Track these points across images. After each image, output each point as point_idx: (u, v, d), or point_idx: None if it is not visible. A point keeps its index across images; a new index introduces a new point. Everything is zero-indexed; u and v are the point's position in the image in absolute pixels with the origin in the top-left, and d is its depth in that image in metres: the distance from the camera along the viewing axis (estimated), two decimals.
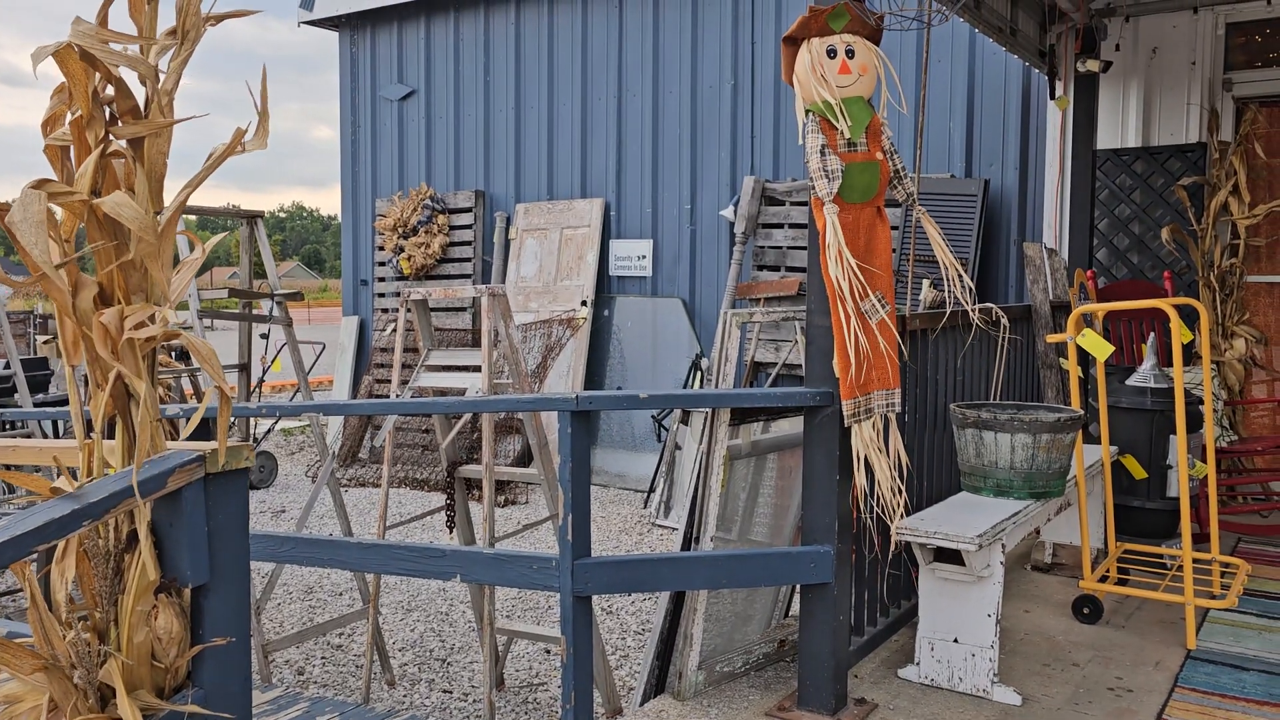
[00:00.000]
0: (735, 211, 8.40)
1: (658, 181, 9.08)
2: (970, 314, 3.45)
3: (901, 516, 3.44)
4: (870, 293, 3.15)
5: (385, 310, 10.58)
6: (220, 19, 2.07)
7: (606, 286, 9.33)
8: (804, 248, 8.10)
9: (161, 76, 2.06)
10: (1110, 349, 4.28)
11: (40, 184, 1.86)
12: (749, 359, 8.19)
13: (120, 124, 2.04)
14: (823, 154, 3.12)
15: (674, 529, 7.53)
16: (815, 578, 3.32)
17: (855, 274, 3.06)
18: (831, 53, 3.15)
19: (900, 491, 3.28)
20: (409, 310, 3.96)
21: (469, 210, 10.11)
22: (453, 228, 10.16)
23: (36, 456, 2.47)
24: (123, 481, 1.97)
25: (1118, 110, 6.97)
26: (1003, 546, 3.57)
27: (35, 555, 1.89)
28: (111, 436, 2.16)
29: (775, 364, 8.06)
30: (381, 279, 10.67)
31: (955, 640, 3.62)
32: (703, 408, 3.40)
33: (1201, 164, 6.63)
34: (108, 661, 2.03)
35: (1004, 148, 7.50)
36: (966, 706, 3.50)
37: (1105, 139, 6.93)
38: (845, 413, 3.21)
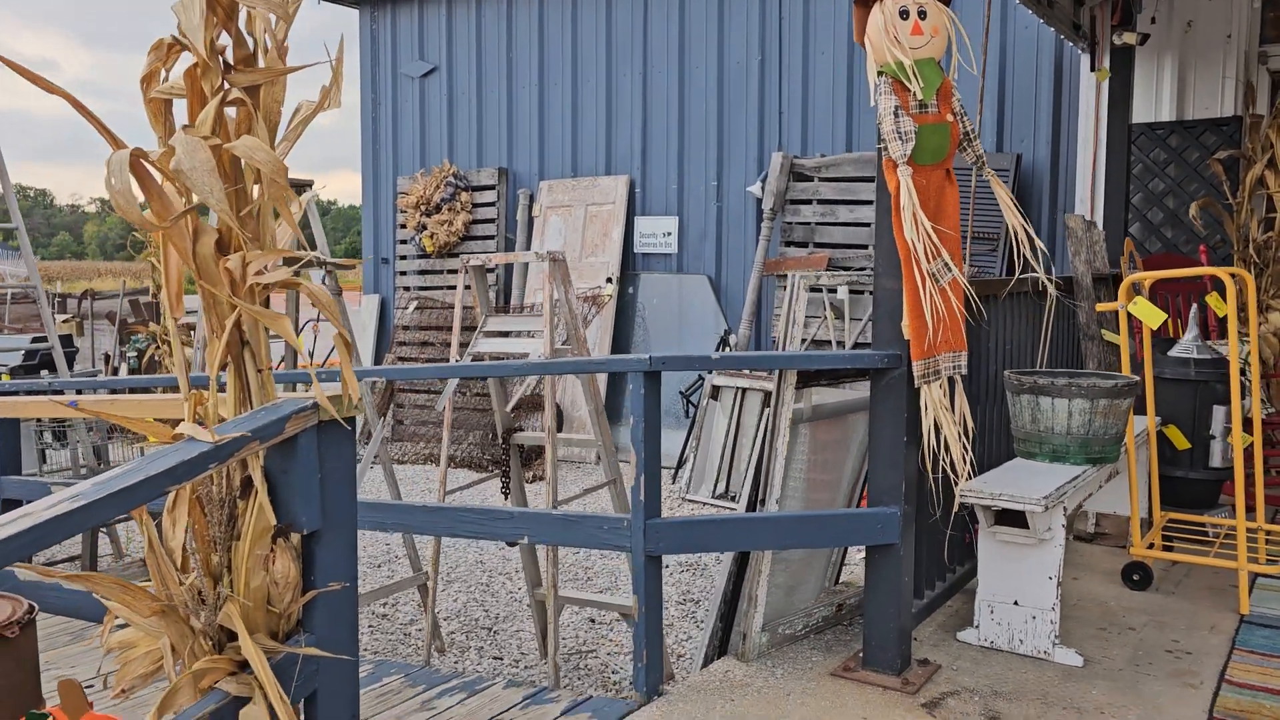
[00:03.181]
0: (763, 188, 8.40)
1: (684, 158, 9.07)
2: (1045, 282, 3.45)
3: (967, 478, 3.46)
4: (940, 254, 3.16)
5: (407, 289, 10.59)
6: None
7: (632, 264, 9.34)
8: (833, 223, 8.11)
9: (274, 23, 2.07)
10: (1163, 316, 4.30)
11: (187, 130, 1.87)
12: (778, 335, 8.21)
13: (236, 73, 2.05)
14: (896, 116, 3.12)
15: (703, 503, 7.57)
16: (882, 539, 3.35)
17: (930, 236, 3.07)
18: (904, 14, 3.15)
19: (968, 452, 3.30)
20: (468, 275, 3.97)
21: (492, 187, 10.10)
22: (476, 205, 10.16)
23: (136, 409, 2.48)
24: (244, 426, 1.99)
25: (1152, 84, 6.96)
26: (1064, 509, 3.59)
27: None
28: (221, 388, 2.18)
29: (804, 340, 8.07)
30: (403, 257, 10.67)
31: (1015, 603, 3.65)
32: (772, 368, 3.41)
33: (1237, 138, 6.62)
34: (225, 605, 2.06)
35: (1035, 122, 7.50)
36: (1028, 668, 3.53)
37: (1139, 113, 6.92)
38: (915, 374, 3.22)
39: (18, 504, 5.16)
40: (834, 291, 7.96)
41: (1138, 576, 4.36)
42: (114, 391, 5.70)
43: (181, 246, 2.03)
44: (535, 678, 4.49)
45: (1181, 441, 5.00)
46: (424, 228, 10.13)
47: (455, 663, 4.69)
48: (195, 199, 1.98)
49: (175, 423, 2.20)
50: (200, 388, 2.25)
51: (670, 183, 9.14)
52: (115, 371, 11.23)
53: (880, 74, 3.17)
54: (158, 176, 1.97)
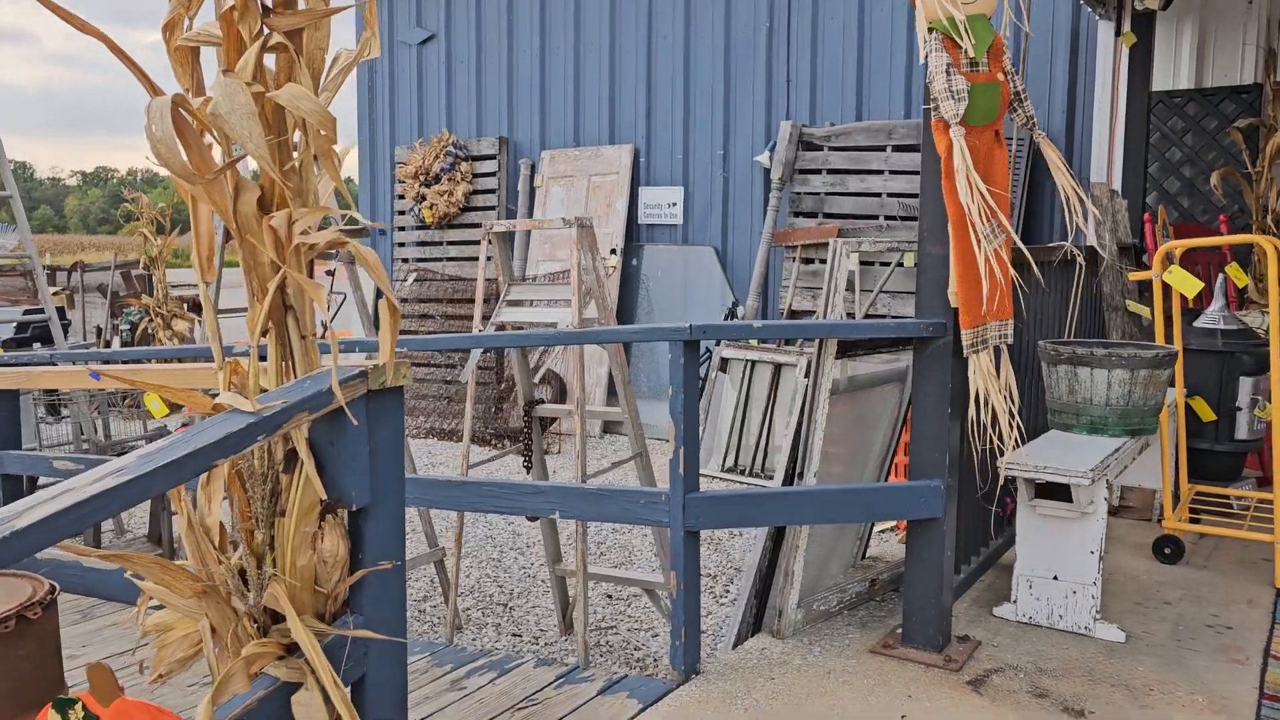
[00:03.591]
0: (771, 158, 8.26)
1: (689, 127, 8.91)
2: (1097, 249, 3.35)
3: (1013, 449, 3.37)
4: (997, 217, 3.05)
5: (405, 260, 10.42)
6: None
7: (636, 235, 9.20)
8: (843, 193, 7.98)
9: None
10: (1199, 285, 4.21)
11: (227, 74, 1.73)
12: (785, 307, 8.10)
13: (275, 15, 1.91)
14: (948, 73, 3.00)
15: (713, 477, 7.48)
16: (926, 513, 3.26)
17: (985, 199, 2.96)
18: None
19: (1014, 423, 3.20)
20: (491, 243, 3.83)
21: (492, 157, 9.92)
22: (476, 175, 9.97)
23: (165, 379, 2.35)
24: (292, 396, 1.87)
25: (1170, 51, 6.84)
26: (1106, 482, 3.51)
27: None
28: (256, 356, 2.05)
29: (812, 312, 7.97)
30: (401, 228, 10.49)
31: (1055, 578, 3.57)
32: (814, 337, 3.31)
33: (1257, 105, 6.51)
34: (270, 585, 1.95)
35: (1051, 90, 7.37)
36: (1070, 643, 3.46)
37: (1156, 81, 6.80)
38: (964, 342, 3.12)
39: (17, 480, 5.02)
40: (815, 275, 7.84)
41: (1169, 550, 4.29)
42: (128, 363, 5.54)
43: (221, 204, 1.89)
44: (558, 655, 4.40)
45: (1207, 413, 4.93)
46: (423, 198, 9.95)
47: (473, 640, 4.59)
48: (238, 150, 1.84)
49: (212, 393, 2.07)
50: (236, 357, 2.13)
51: (675, 152, 8.98)
52: (108, 345, 11.04)
53: (930, 30, 3.04)
54: (197, 129, 1.83)
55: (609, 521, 3.22)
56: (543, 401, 4.08)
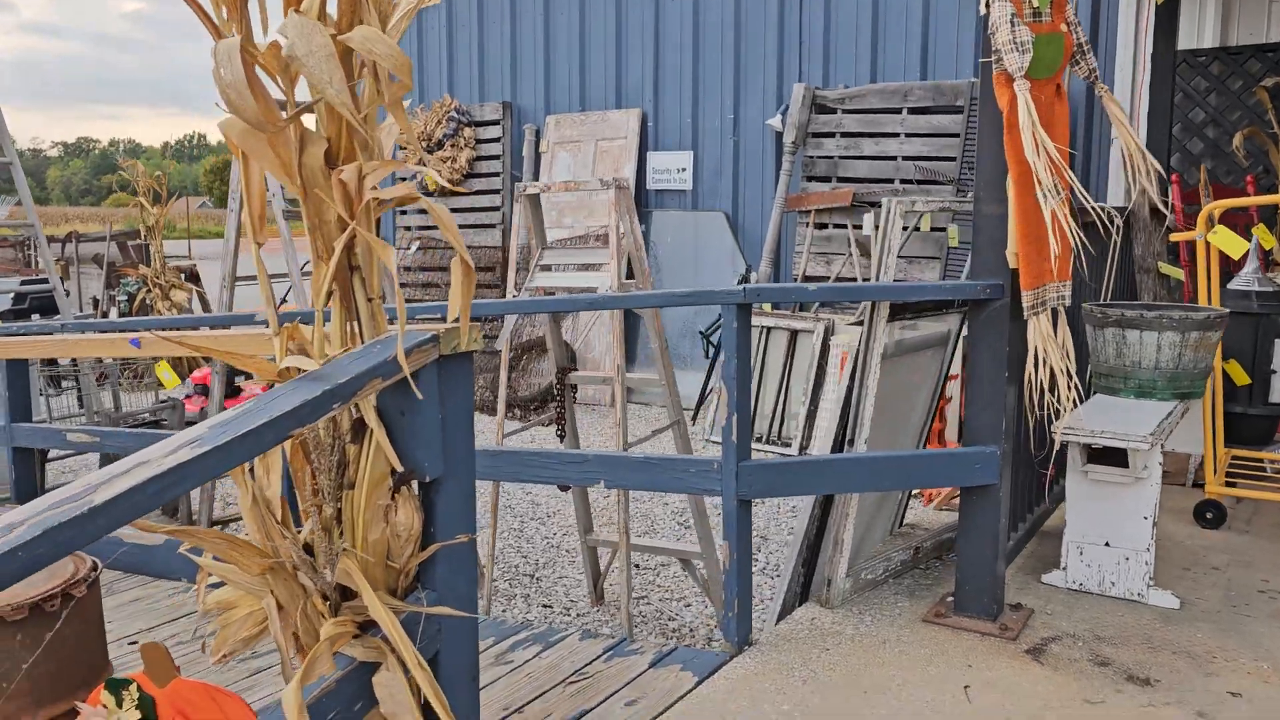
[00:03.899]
0: (783, 121, 8.12)
1: (698, 91, 8.75)
2: (1160, 208, 3.25)
3: (1070, 413, 3.29)
4: (1064, 174, 2.95)
5: (408, 228, 10.25)
6: None
7: (644, 201, 9.05)
8: (857, 157, 7.85)
9: None
10: (1245, 245, 4.12)
11: (300, 11, 1.61)
12: (799, 273, 7.99)
13: None
14: (1012, 25, 2.88)
15: None
16: (981, 479, 3.18)
17: (1052, 156, 2.85)
18: None
19: (1074, 386, 3.11)
20: (523, 205, 3.71)
21: (496, 123, 9.74)
22: (479, 141, 9.80)
23: (213, 344, 2.24)
24: (364, 362, 1.76)
25: (1195, 10, 6.71)
26: (1160, 447, 3.44)
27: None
28: (301, 320, 1.94)
29: (827, 278, 7.87)
30: None
31: (1106, 544, 3.51)
32: (866, 300, 3.21)
33: None
34: (341, 561, 1.85)
35: None
36: (1124, 610, 3.40)
37: (1180, 40, 6.67)
38: (1025, 304, 3.02)
39: (29, 453, 4.90)
40: (859, 227, 7.74)
41: (1211, 515, 4.23)
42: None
43: (285, 157, 1.77)
44: (590, 625, 4.33)
45: (1241, 377, 4.86)
46: (424, 165, 9.77)
47: (504, 611, 4.52)
48: (305, 98, 1.72)
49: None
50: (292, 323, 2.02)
51: (684, 116, 8.82)
52: (104, 315, 10.86)
53: None
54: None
55: (657, 491, 3.14)
56: (575, 369, 3.98)
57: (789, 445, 7.19)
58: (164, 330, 3.36)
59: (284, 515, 1.94)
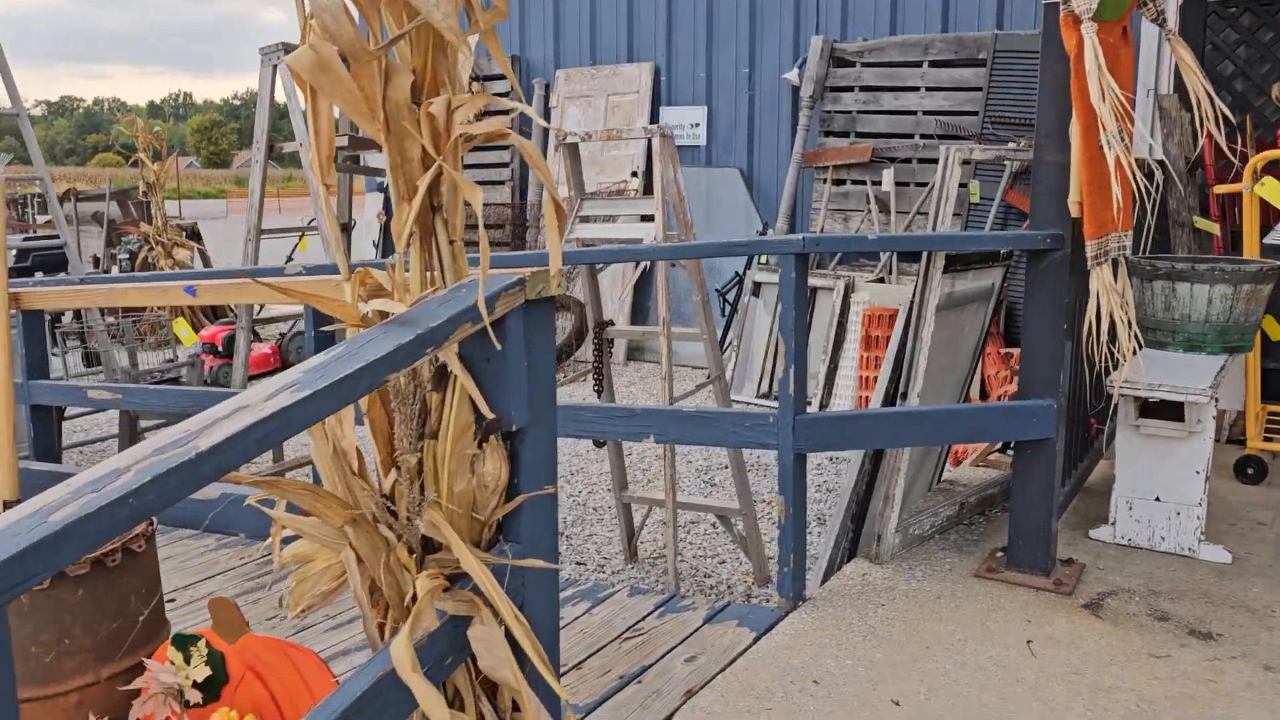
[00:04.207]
0: (800, 75, 7.98)
1: (713, 43, 8.59)
2: (1229, 156, 3.17)
3: (1129, 366, 3.23)
4: (1131, 120, 2.87)
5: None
6: None
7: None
8: (876, 111, 7.73)
9: None
10: None
11: None
12: (817, 230, 7.90)
13: None
14: None
15: (746, 403, 7.35)
16: (1037, 433, 3.13)
17: (1120, 101, 2.77)
18: None
19: (1134, 336, 3.05)
20: (563, 155, 3.61)
21: (504, 77, 9.56)
22: None
23: (299, 287, 2.14)
24: (454, 305, 1.69)
25: None
26: (1215, 400, 3.39)
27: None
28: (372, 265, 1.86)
29: (843, 236, 7.77)
30: None
31: (1157, 499, 3.47)
32: (923, 249, 3.13)
33: None
34: (426, 512, 1.79)
35: None
36: (1176, 566, 3.37)
37: None
38: (1089, 254, 2.96)
39: (47, 411, 4.81)
40: (878, 184, 7.64)
41: (1252, 470, 4.20)
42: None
43: (369, 90, 1.69)
44: (622, 582, 4.30)
45: (1277, 332, 4.81)
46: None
47: None
48: (397, 29, 1.63)
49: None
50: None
51: (698, 70, 8.67)
52: (106, 274, 10.72)
53: None
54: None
55: (710, 445, 3.09)
56: (612, 323, 3.90)
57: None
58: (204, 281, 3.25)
59: (361, 466, 1.87)
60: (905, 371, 3.26)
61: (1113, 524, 3.55)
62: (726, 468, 5.89)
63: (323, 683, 2.05)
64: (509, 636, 1.72)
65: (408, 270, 1.83)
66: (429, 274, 1.85)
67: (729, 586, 4.23)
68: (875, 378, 6.70)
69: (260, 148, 4.28)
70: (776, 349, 7.32)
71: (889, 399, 3.33)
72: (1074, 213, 3.00)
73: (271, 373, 8.93)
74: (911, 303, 3.18)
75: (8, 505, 2.67)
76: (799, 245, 2.83)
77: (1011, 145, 6.44)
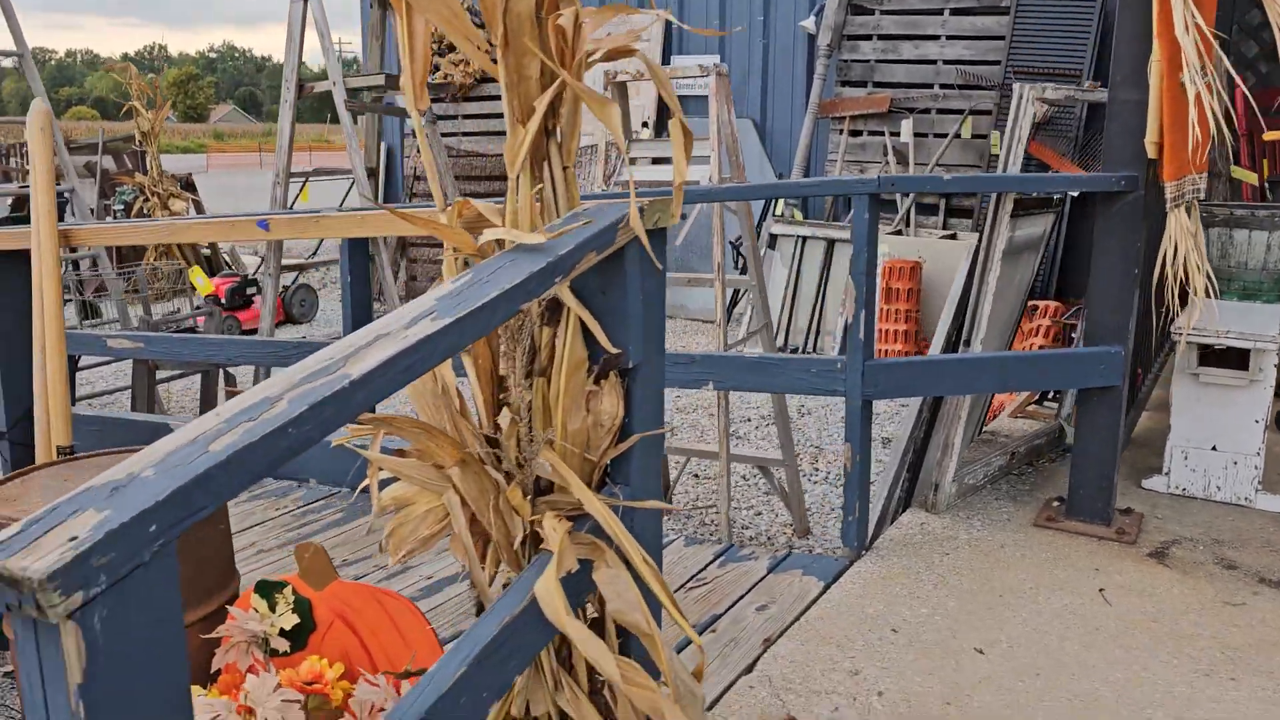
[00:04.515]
0: (818, 23, 7.83)
1: None
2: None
3: (1200, 312, 3.18)
4: (1214, 52, 2.78)
5: (414, 135, 9.90)
6: None
7: (667, 107, 8.76)
8: (895, 60, 7.61)
9: None
10: None
11: None
12: None
13: None
14: None
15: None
16: (1104, 380, 3.07)
17: (1205, 34, 2.68)
18: None
19: (1210, 280, 2.99)
20: (611, 93, 3.50)
21: None
22: (493, 45, 9.40)
23: (410, 216, 2.03)
24: (579, 233, 1.60)
25: None
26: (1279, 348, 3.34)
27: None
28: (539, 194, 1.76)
29: None
30: None
31: (1213, 448, 3.44)
32: (994, 191, 3.05)
33: None
34: (542, 452, 1.71)
35: None
36: (1234, 515, 3.34)
37: None
38: (1168, 195, 2.89)
39: (68, 360, 4.69)
40: (896, 134, 7.53)
41: None
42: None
43: (489, 2, 1.58)
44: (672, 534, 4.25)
45: None
46: (437, 68, 9.40)
47: None
48: None
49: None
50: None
51: (711, 17, 8.50)
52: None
53: None
54: None
55: (774, 391, 3.01)
56: None
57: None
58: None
59: (462, 406, 1.79)
60: (970, 317, 3.19)
61: (1166, 474, 3.52)
62: (749, 420, 5.84)
63: (417, 629, 1.99)
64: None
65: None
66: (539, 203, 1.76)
67: (768, 537, 4.19)
68: (896, 330, 6.66)
69: (290, 87, 4.13)
70: (793, 301, 7.25)
71: (950, 345, 3.26)
72: (1151, 153, 2.92)
73: (277, 325, 8.79)
74: (977, 247, 3.11)
75: (61, 451, 2.58)
76: (874, 185, 2.75)
77: (1088, 85, 6.33)
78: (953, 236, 6.94)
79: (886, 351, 6.60)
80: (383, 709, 1.84)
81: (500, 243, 1.67)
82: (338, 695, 1.93)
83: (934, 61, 7.43)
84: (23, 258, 2.84)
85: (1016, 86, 3.05)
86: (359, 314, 3.44)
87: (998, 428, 4.31)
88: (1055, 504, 3.35)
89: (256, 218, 2.33)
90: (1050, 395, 4.40)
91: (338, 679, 1.96)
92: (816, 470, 5.01)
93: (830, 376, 2.93)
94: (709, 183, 3.33)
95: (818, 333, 7.21)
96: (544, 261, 1.50)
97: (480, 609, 1.95)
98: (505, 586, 1.82)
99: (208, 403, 5.17)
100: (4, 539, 0.95)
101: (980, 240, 3.10)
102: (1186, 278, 2.98)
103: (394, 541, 1.82)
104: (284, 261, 8.92)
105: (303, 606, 2.01)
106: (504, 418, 1.71)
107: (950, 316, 3.24)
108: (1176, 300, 3.00)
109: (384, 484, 1.82)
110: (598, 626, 1.78)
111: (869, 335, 2.87)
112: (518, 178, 1.71)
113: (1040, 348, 5.53)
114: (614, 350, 1.68)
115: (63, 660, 0.95)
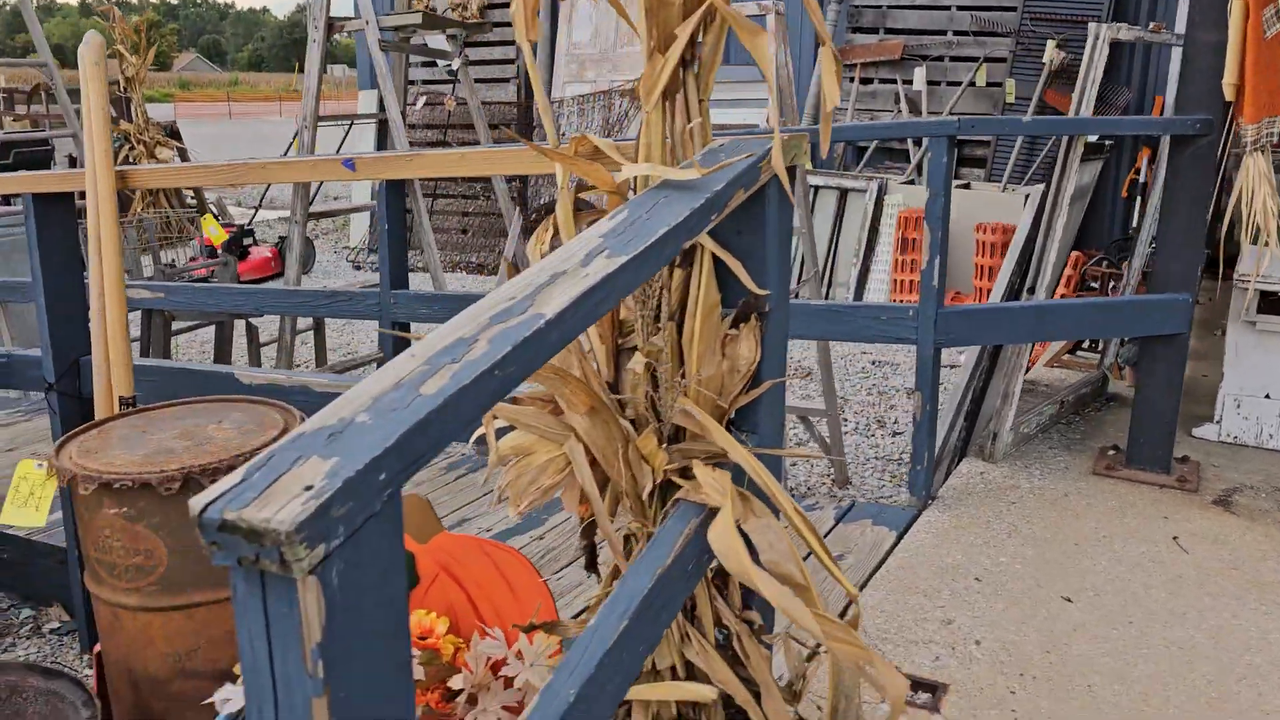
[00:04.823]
0: None
1: None
2: None
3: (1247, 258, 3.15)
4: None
5: (412, 82, 9.67)
6: None
7: None
8: (907, 6, 7.48)
9: None
10: None
11: None
12: None
13: None
14: None
15: None
16: (1169, 328, 3.04)
17: None
18: None
19: None
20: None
21: None
22: None
23: (471, 164, 1.96)
24: (727, 170, 1.52)
25: None
26: None
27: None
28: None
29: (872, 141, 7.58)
30: None
31: (1267, 396, 3.43)
32: (1067, 133, 2.99)
33: None
34: (679, 399, 1.65)
35: None
36: None
37: None
38: (1248, 139, 2.84)
39: None
40: (909, 82, 7.43)
41: None
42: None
43: None
44: None
45: None
46: (434, 10, 9.15)
47: None
48: None
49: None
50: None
51: None
52: None
53: None
54: None
55: (843, 340, 2.96)
56: None
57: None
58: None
59: (576, 348, 1.72)
60: (1035, 263, 3.14)
61: (1218, 422, 3.52)
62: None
63: (528, 582, 1.93)
64: None
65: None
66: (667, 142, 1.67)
67: (809, 488, 4.17)
68: (911, 280, 6.62)
69: (318, 26, 3.96)
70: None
71: (1011, 293, 3.22)
72: (1228, 95, 2.87)
73: (271, 278, 8.62)
74: (1045, 192, 3.05)
75: (125, 402, 2.49)
76: (953, 128, 2.67)
77: (1152, 26, 6.24)
78: (966, 186, 6.88)
79: (904, 301, 6.56)
80: (504, 662, 1.79)
81: (633, 183, 1.59)
82: (448, 650, 1.87)
83: (948, 8, 7.32)
84: (65, 203, 2.71)
85: (1092, 26, 2.98)
86: (396, 258, 3.35)
87: (1037, 377, 4.29)
88: (1111, 452, 3.34)
89: (340, 158, 2.23)
90: (1087, 345, 4.38)
91: (444, 633, 1.90)
92: (847, 421, 4.98)
93: (901, 324, 2.88)
94: (764, 125, 3.24)
95: (830, 284, 7.16)
96: (702, 199, 1.42)
97: (591, 561, 1.90)
98: (627, 539, 1.78)
99: (222, 356, 5.05)
100: (229, 487, 0.87)
101: (1048, 186, 3.04)
102: (1257, 223, 2.94)
103: (513, 492, 1.76)
104: (285, 212, 8.72)
105: (406, 560, 1.94)
106: (637, 362, 1.64)
107: (1011, 265, 3.19)
108: (1249, 245, 2.96)
109: (499, 433, 1.76)
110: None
111: (941, 282, 2.82)
112: (651, 112, 1.63)
113: (1062, 296, 5.52)
114: (760, 292, 1.61)
115: (299, 618, 0.88)
